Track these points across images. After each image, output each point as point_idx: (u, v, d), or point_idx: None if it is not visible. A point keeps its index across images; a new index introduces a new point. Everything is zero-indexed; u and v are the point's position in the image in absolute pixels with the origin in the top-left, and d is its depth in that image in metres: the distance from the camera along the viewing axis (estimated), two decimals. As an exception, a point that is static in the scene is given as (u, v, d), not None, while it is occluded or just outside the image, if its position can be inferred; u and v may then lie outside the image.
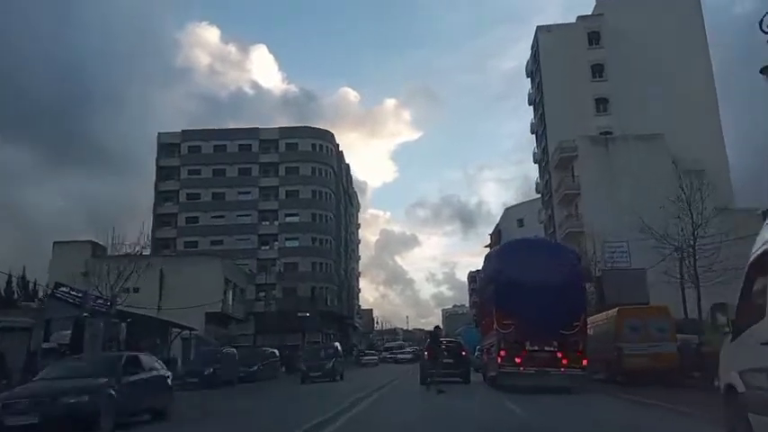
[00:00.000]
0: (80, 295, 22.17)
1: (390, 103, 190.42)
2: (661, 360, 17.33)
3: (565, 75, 49.85)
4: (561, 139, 45.78)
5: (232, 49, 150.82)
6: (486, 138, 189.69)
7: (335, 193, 74.90)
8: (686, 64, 48.40)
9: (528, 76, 58.01)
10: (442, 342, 24.12)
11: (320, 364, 26.36)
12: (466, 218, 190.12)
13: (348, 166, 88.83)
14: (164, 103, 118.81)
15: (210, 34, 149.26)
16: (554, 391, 16.56)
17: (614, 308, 20.62)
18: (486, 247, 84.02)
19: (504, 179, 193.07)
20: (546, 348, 16.22)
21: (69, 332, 22.38)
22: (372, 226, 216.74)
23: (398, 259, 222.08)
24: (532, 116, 57.31)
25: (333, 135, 75.54)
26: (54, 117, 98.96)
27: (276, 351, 34.43)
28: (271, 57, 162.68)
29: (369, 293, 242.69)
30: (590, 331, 21.02)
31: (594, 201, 41.15)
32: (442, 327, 26.26)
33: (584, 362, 16.41)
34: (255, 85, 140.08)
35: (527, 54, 58.10)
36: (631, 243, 36.61)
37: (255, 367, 28.88)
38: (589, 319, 21.63)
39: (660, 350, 17.48)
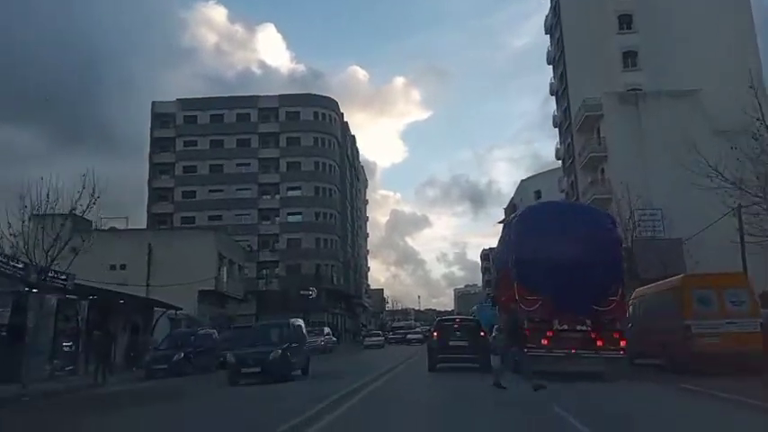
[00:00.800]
0: (21, 266, 18.47)
1: (399, 81, 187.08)
2: (740, 341, 13.41)
3: (588, 27, 45.10)
4: (586, 97, 41.41)
5: (239, 28, 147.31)
6: (496, 117, 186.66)
7: (340, 165, 70.99)
8: (724, 11, 43.48)
9: (546, 33, 53.26)
10: (456, 320, 20.32)
11: (260, 354, 16.27)
12: (476, 198, 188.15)
13: (354, 137, 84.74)
14: (170, 83, 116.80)
15: (218, 14, 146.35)
16: (590, 378, 13.90)
17: (661, 278, 16.95)
18: (499, 223, 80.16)
19: (514, 158, 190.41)
20: (577, 327, 13.98)
21: (9, 310, 18.88)
22: (383, 207, 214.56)
23: (409, 240, 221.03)
24: (551, 76, 52.70)
25: (336, 103, 71.42)
26: (61, 100, 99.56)
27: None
28: (278, 36, 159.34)
29: (380, 274, 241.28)
30: (637, 307, 17.43)
31: (623, 164, 37.19)
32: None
33: (623, 342, 14.11)
34: (263, 65, 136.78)
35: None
36: (669, 209, 32.80)
37: (242, 350, 25.21)
38: (637, 291, 17.98)
39: (739, 329, 13.53)
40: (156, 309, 32.41)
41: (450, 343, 17.68)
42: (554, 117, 52.67)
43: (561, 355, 14.06)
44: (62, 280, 20.40)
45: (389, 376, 17.55)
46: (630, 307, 17.86)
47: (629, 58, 45.00)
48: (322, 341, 38.63)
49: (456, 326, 18.92)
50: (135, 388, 17.76)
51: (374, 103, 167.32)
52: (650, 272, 25.03)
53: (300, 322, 20.35)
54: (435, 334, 18.56)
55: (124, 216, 47.23)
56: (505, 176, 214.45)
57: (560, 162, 52.41)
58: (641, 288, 17.80)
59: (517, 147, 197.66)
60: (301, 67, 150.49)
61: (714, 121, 38.00)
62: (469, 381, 15.04)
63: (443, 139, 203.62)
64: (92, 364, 21.07)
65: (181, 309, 33.03)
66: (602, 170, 40.97)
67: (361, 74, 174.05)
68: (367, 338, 50.39)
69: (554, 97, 52.55)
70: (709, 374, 12.82)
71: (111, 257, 38.84)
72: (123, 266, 39.03)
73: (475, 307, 60.29)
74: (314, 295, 52.98)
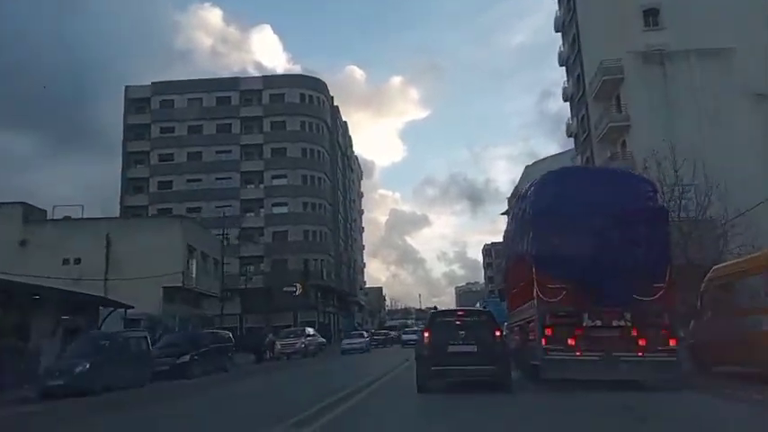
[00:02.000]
0: None
1: (397, 80, 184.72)
2: None
3: (604, -17, 40.00)
4: (603, 59, 36.39)
5: (234, 30, 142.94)
6: (493, 115, 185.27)
7: (330, 152, 65.92)
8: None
9: (554, -4, 48.11)
10: (458, 314, 14.69)
11: None
12: (474, 196, 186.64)
13: (345, 123, 79.56)
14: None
15: (213, 15, 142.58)
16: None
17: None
18: (502, 214, 75.36)
19: (512, 156, 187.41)
20: (613, 323, 11.25)
21: None
22: (382, 206, 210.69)
23: (408, 239, 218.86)
24: (561, 44, 47.53)
25: (325, 85, 66.34)
26: (55, 103, 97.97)
27: (229, 333, 25.76)
28: (275, 37, 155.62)
29: (380, 273, 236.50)
30: (714, 292, 12.49)
31: (649, 134, 32.19)
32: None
33: (672, 341, 11.12)
34: (259, 66, 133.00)
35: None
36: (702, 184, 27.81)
37: (187, 357, 20.18)
38: (716, 270, 13.03)
39: None
40: (103, 308, 27.35)
41: (450, 348, 11.65)
42: (564, 89, 47.53)
43: (593, 358, 11.03)
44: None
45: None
46: (703, 293, 12.99)
47: (651, 16, 39.82)
48: (302, 344, 33.60)
49: (458, 322, 12.48)
50: (6, 414, 12.56)
51: (372, 103, 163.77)
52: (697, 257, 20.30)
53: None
54: (427, 335, 12.21)
55: (79, 204, 42.47)
56: (503, 174, 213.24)
57: (572, 139, 47.28)
58: (721, 266, 12.68)
59: (515, 144, 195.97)
60: (298, 68, 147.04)
61: (752, 82, 33.31)
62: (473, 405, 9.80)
63: (441, 138, 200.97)
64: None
65: (132, 307, 27.73)
66: (624, 142, 36.00)
67: (359, 73, 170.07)
68: (345, 341, 39.33)
69: (564, 68, 47.38)
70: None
71: (64, 251, 34.14)
72: (78, 260, 34.38)
73: (478, 304, 55.23)
74: (298, 292, 47.78)
